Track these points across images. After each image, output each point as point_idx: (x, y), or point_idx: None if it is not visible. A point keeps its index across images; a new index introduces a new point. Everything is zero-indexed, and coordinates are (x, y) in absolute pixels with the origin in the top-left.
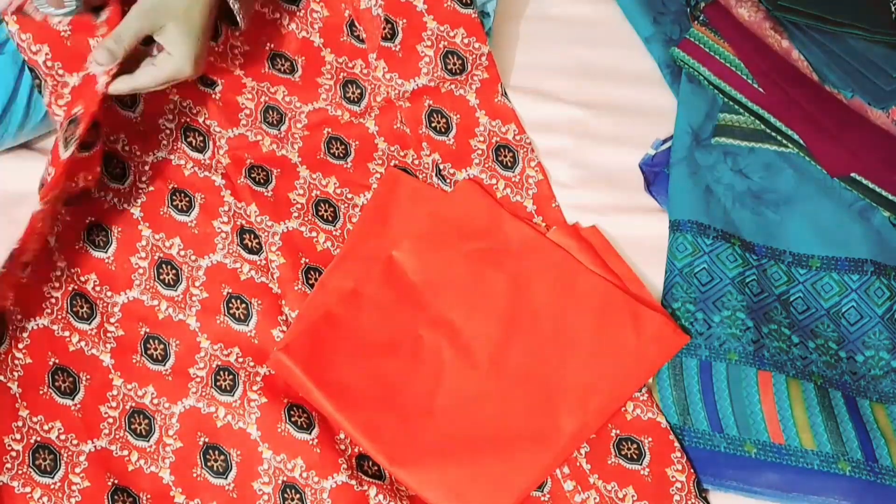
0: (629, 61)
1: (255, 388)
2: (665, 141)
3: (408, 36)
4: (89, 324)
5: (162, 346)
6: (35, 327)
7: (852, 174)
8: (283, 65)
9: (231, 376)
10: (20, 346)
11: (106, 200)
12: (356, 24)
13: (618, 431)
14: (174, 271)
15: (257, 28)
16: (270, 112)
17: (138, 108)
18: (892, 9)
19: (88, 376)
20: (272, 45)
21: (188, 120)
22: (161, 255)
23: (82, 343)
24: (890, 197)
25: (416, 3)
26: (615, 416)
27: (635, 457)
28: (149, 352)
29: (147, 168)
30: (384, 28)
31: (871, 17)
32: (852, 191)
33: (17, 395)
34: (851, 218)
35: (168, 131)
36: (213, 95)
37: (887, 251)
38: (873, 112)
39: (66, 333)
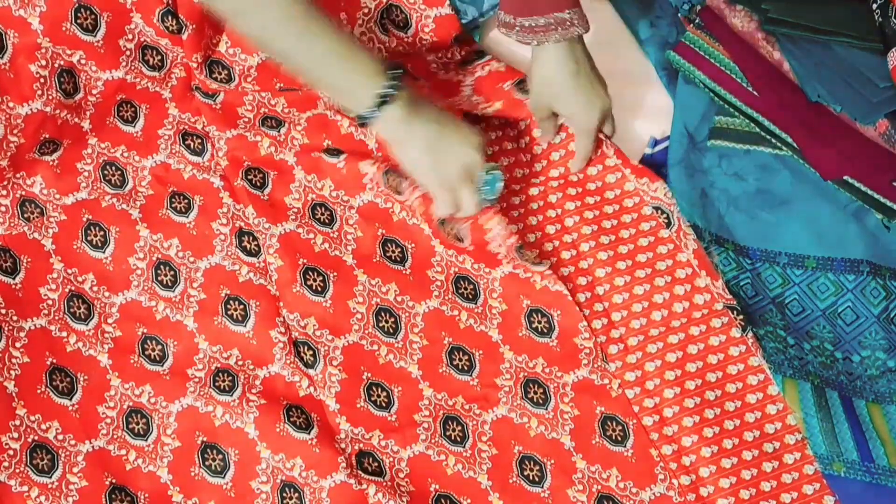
0: (627, 63)
1: (253, 391)
2: (659, 141)
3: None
4: (87, 325)
5: (160, 347)
6: (32, 328)
7: (845, 177)
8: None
9: (230, 378)
10: (17, 345)
11: (104, 201)
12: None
13: (602, 408)
14: (172, 272)
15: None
16: (269, 121)
17: (139, 124)
18: (876, 16)
19: (86, 377)
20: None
21: (186, 127)
22: (159, 255)
23: (80, 344)
24: (882, 199)
25: None
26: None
27: (620, 439)
28: (147, 352)
29: (146, 173)
30: None
31: (857, 24)
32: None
33: (14, 393)
34: (847, 219)
35: (167, 137)
36: (214, 105)
37: (882, 252)
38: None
39: (64, 334)
